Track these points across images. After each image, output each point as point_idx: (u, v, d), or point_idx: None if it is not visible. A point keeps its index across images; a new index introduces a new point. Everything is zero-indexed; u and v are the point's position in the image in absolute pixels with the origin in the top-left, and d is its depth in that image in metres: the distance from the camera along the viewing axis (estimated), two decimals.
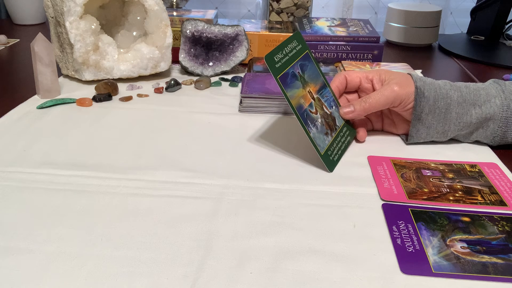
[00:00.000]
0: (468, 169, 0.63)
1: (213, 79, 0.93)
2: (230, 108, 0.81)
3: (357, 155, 0.66)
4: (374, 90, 0.69)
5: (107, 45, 0.87)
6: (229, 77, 0.94)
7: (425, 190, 0.58)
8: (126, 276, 0.44)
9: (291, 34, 1.01)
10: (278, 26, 1.08)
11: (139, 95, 0.85)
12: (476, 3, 1.28)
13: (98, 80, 0.89)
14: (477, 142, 0.70)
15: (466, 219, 0.53)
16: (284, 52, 0.63)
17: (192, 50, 0.93)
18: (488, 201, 0.56)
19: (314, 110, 0.64)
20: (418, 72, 0.99)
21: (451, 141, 0.70)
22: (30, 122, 0.74)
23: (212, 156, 0.65)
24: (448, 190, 0.58)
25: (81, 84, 0.89)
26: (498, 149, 0.68)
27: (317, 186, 0.59)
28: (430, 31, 1.20)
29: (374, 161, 0.64)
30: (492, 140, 0.68)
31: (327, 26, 1.07)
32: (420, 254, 0.47)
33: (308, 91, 0.65)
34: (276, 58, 0.61)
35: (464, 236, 0.50)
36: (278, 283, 0.43)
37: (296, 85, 0.63)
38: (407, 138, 0.69)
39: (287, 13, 1.19)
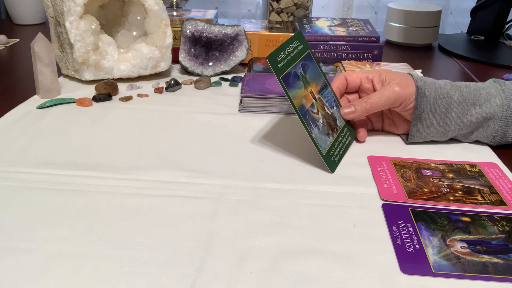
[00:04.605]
0: (468, 169, 0.63)
1: (213, 79, 0.93)
2: (230, 108, 0.81)
3: (357, 155, 0.66)
4: (374, 90, 0.69)
5: (107, 45, 0.87)
6: (229, 77, 0.94)
7: (425, 190, 0.58)
8: (126, 276, 0.44)
9: (291, 34, 1.01)
10: (278, 26, 1.08)
11: (139, 95, 0.85)
12: (476, 3, 1.28)
13: (98, 80, 0.89)
14: (477, 142, 0.70)
15: (466, 219, 0.53)
16: (286, 52, 0.63)
17: (192, 50, 0.93)
18: (488, 201, 0.56)
19: (315, 111, 0.64)
20: (418, 72, 0.99)
21: (451, 141, 0.70)
22: (30, 122, 0.74)
23: (212, 156, 0.65)
24: (448, 190, 0.58)
25: (81, 84, 0.89)
26: (498, 149, 0.68)
27: (317, 186, 0.59)
28: (430, 31, 1.20)
29: (374, 161, 0.64)
30: (492, 139, 0.68)
31: (327, 26, 1.07)
32: (420, 254, 0.47)
33: (309, 91, 0.65)
34: (279, 58, 0.61)
35: (464, 236, 0.50)
36: (278, 283, 0.43)
37: (298, 85, 0.63)
38: (407, 138, 0.69)
39: (287, 13, 1.19)
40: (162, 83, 0.90)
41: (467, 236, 0.50)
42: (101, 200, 0.55)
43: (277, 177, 0.60)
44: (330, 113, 0.67)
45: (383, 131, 0.73)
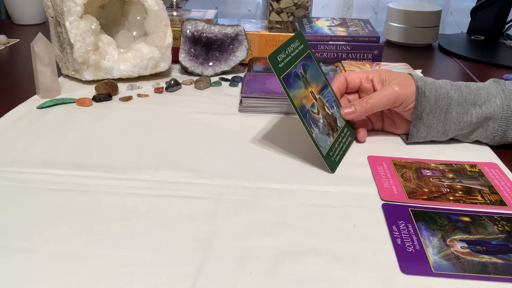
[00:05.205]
0: (468, 169, 0.63)
1: (213, 79, 0.93)
2: (230, 108, 0.81)
3: (357, 155, 0.66)
4: (374, 90, 0.69)
5: (107, 45, 0.87)
6: (229, 77, 0.94)
7: (425, 190, 0.58)
8: (126, 276, 0.44)
9: (291, 34, 1.01)
10: (278, 26, 1.08)
11: (139, 95, 0.85)
12: (476, 3, 1.28)
13: (98, 80, 0.89)
14: (477, 142, 0.70)
15: (466, 219, 0.53)
16: (286, 52, 0.63)
17: (192, 50, 0.93)
18: (488, 201, 0.56)
19: (316, 111, 0.64)
20: (418, 72, 0.99)
21: (451, 141, 0.70)
22: (30, 122, 0.74)
23: (212, 156, 0.65)
24: (448, 190, 0.58)
25: (81, 84, 0.89)
26: (498, 149, 0.68)
27: (317, 186, 0.59)
28: (430, 31, 1.20)
29: (374, 161, 0.64)
30: (492, 139, 0.68)
31: (327, 26, 1.07)
32: (420, 254, 0.47)
33: (310, 92, 0.65)
34: (279, 58, 0.61)
35: (464, 236, 0.50)
36: (278, 283, 0.43)
37: (299, 85, 0.63)
38: (407, 138, 0.69)
39: (287, 13, 1.19)
40: (162, 83, 0.90)
41: (467, 236, 0.50)
42: (101, 200, 0.55)
43: (277, 177, 0.60)
44: (330, 113, 0.67)
45: (383, 131, 0.73)
